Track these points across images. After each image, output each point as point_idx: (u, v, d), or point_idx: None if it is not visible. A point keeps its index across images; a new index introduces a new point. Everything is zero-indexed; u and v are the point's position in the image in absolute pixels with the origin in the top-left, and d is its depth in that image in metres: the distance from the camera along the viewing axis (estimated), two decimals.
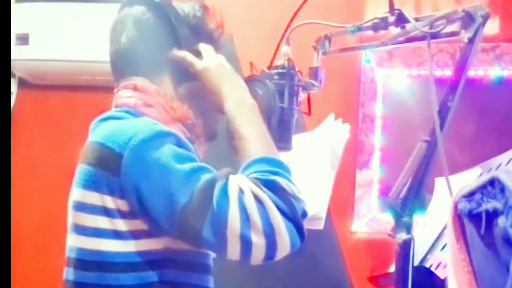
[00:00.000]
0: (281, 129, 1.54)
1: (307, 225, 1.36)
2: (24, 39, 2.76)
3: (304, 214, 1.33)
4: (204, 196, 1.28)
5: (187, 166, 1.32)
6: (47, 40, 2.78)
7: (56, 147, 2.86)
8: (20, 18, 2.74)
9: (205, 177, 1.31)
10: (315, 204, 1.65)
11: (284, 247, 1.29)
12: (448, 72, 2.69)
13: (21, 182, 2.77)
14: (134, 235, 1.36)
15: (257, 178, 1.31)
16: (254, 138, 1.40)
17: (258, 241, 1.27)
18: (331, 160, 1.69)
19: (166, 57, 1.49)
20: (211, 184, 1.29)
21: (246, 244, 1.28)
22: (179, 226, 1.31)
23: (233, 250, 1.29)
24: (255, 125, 1.43)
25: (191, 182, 1.30)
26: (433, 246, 1.92)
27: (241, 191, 1.28)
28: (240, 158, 1.39)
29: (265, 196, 1.28)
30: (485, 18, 1.43)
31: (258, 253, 1.29)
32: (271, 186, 1.30)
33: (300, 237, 1.31)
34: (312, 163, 1.71)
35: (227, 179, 1.30)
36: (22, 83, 2.96)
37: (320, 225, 1.73)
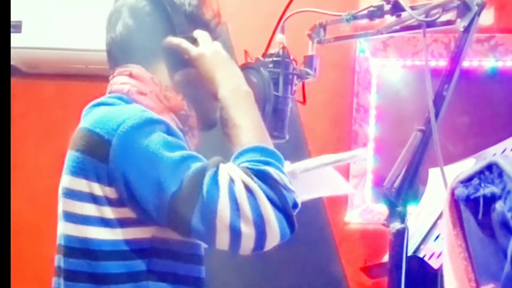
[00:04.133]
0: (275, 117, 1.54)
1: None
2: (17, 27, 2.74)
3: (295, 205, 1.32)
4: (193, 185, 1.27)
5: (177, 154, 1.30)
6: (40, 28, 2.75)
7: (49, 136, 2.85)
8: (12, 6, 2.72)
9: (195, 165, 1.30)
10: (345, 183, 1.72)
11: (273, 237, 1.28)
12: (442, 63, 2.69)
13: (13, 171, 2.76)
14: (122, 223, 1.35)
15: (248, 168, 1.30)
16: (248, 126, 1.38)
17: (247, 231, 1.26)
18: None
19: (162, 45, 1.47)
20: (201, 172, 1.28)
21: (235, 234, 1.26)
22: (168, 214, 1.29)
23: (222, 240, 1.28)
24: (249, 113, 1.41)
25: (180, 171, 1.28)
26: (426, 236, 1.92)
27: (231, 181, 1.27)
28: (232, 146, 1.37)
29: (256, 186, 1.27)
30: (481, 7, 1.43)
31: (247, 243, 1.27)
32: (262, 176, 1.29)
33: (290, 228, 1.29)
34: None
35: (217, 168, 1.29)
36: (14, 71, 2.93)
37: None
